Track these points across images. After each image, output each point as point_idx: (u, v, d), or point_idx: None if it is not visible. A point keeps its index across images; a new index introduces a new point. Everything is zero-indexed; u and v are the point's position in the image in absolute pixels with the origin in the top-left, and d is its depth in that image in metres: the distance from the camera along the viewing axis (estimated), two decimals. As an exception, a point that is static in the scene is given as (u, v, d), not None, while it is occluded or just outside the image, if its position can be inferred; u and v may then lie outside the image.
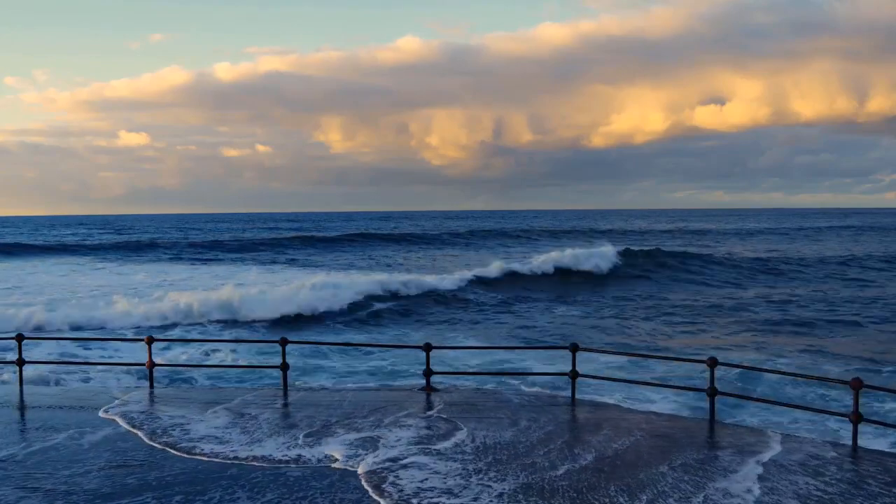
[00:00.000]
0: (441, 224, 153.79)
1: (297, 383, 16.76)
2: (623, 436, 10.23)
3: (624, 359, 19.92)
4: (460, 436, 10.22)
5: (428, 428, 10.61)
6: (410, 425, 10.75)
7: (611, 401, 14.55)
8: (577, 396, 12.62)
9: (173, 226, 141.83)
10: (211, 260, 61.66)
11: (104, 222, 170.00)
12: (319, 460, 9.24)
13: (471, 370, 18.91)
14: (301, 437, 10.27)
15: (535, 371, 19.80)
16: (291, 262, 60.18)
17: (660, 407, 15.42)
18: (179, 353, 21.22)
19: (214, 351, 21.60)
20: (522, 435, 10.24)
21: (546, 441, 9.96)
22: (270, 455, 9.46)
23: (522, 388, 17.16)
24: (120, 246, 73.01)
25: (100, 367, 18.58)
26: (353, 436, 10.25)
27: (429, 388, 12.98)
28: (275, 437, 10.26)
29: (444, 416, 11.25)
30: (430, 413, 11.51)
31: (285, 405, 12.27)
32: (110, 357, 20.70)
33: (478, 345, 24.71)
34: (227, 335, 26.26)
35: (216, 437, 10.29)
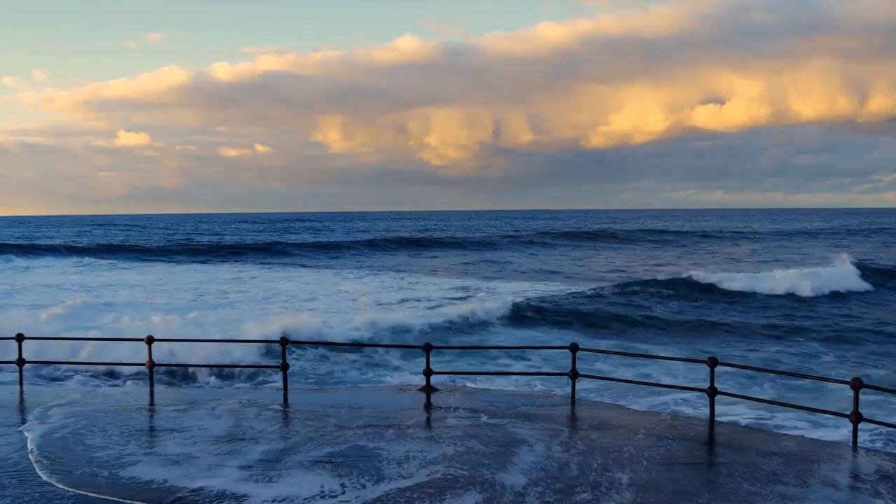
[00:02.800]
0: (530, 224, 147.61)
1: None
2: (654, 444, 9.80)
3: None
4: (462, 448, 10.03)
5: (429, 440, 10.19)
6: (412, 437, 10.24)
7: (608, 400, 14.56)
8: (574, 397, 12.63)
9: (237, 226, 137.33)
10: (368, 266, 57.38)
11: (176, 223, 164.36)
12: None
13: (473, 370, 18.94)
14: (257, 459, 9.15)
15: (535, 371, 19.82)
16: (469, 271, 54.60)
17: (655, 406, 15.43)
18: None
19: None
20: (522, 442, 10.24)
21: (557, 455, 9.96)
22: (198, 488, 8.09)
23: (515, 387, 17.17)
24: (251, 249, 70.56)
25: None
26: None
27: (428, 388, 12.99)
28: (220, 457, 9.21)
29: (449, 426, 10.88)
30: (430, 423, 11.13)
31: (274, 409, 11.99)
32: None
33: (482, 345, 24.73)
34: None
35: (133, 457, 9.22)
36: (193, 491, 8.08)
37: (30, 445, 9.84)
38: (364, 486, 8.17)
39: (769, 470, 8.78)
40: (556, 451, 9.48)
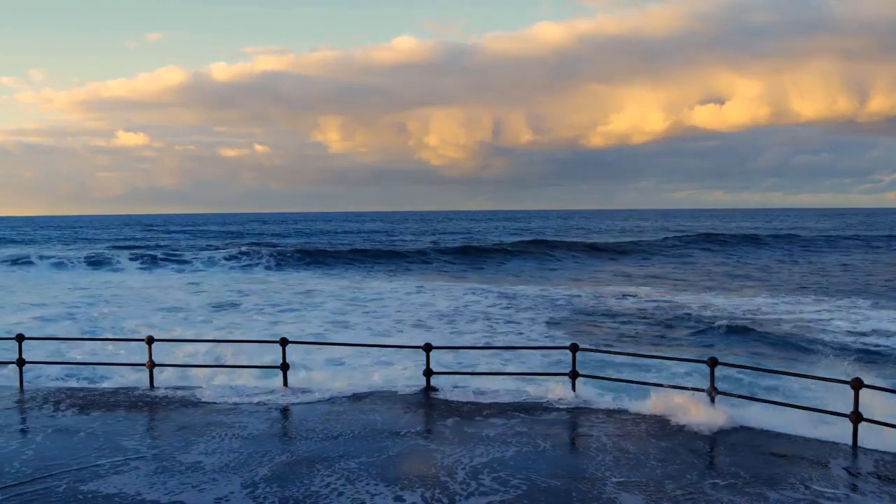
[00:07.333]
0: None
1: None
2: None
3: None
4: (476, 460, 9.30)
5: (432, 439, 10.12)
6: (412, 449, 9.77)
7: (608, 400, 14.52)
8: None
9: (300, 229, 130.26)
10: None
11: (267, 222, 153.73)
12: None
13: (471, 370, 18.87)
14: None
15: (535, 371, 19.77)
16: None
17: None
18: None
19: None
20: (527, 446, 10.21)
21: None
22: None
23: (514, 387, 17.12)
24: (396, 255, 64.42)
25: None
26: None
27: (429, 388, 13.00)
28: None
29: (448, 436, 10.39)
30: (460, 427, 10.72)
31: (278, 411, 11.93)
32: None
33: (480, 346, 24.67)
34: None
35: (117, 467, 8.80)
36: None
37: (25, 449, 9.76)
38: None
39: (769, 470, 8.78)
40: (630, 450, 9.46)
